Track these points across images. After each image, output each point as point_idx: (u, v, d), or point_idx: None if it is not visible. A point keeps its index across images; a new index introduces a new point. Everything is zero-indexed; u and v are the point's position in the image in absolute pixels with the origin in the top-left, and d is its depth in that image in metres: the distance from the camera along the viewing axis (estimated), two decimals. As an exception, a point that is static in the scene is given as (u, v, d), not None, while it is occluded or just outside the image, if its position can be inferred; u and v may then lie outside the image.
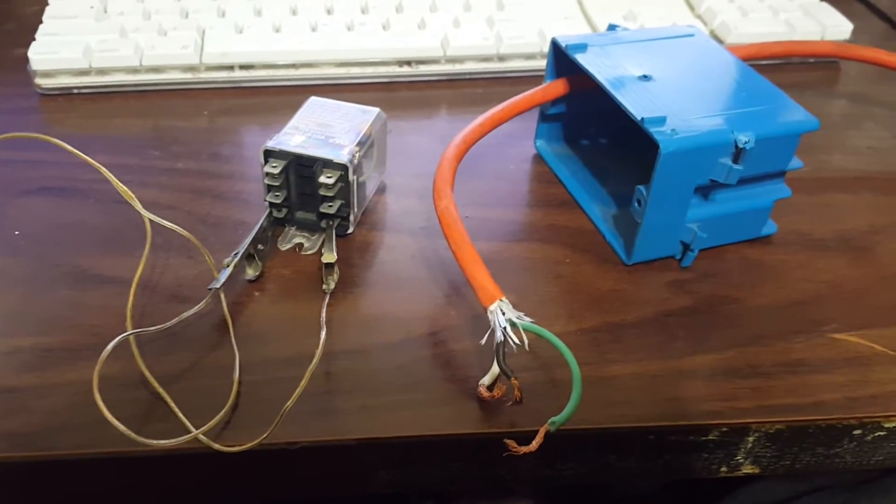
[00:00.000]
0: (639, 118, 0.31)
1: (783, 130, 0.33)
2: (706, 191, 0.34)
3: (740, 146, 0.32)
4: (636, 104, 0.32)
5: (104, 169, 0.32)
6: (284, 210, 0.35)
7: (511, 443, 0.26)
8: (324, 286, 0.33)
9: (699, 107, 0.33)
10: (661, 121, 0.31)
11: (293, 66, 0.46)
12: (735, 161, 0.32)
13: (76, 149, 0.34)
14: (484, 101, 0.45)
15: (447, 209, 0.31)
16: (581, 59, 0.35)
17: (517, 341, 0.27)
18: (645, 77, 0.35)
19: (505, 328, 0.27)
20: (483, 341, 0.28)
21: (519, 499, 0.49)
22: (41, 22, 0.47)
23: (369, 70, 0.46)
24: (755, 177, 0.34)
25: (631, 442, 0.29)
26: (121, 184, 0.32)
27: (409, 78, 0.47)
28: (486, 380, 0.28)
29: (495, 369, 0.28)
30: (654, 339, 0.32)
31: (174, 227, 0.31)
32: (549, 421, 0.26)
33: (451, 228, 0.30)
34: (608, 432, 0.29)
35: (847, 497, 0.45)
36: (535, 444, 0.26)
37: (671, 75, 0.35)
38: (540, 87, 0.38)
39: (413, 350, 0.31)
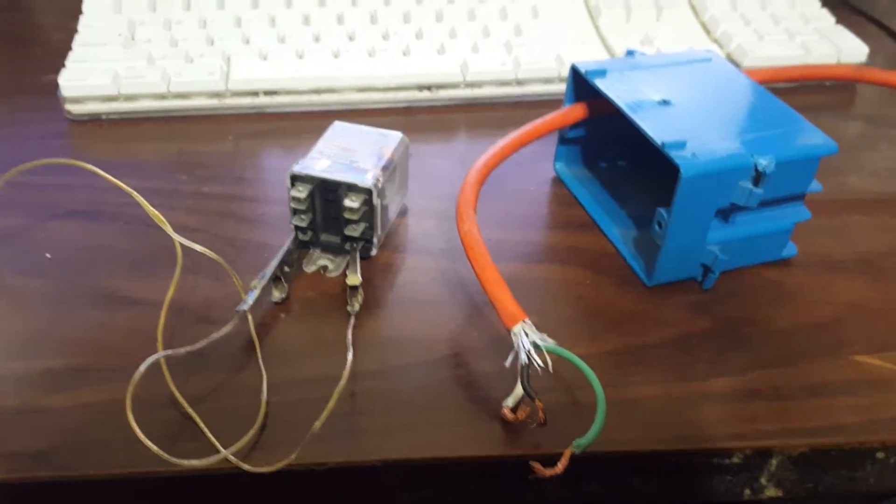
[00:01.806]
0: (659, 143, 0.32)
1: (803, 154, 0.33)
2: (726, 213, 0.34)
3: (760, 170, 0.32)
4: (656, 128, 0.33)
5: (136, 193, 0.33)
6: (309, 233, 0.36)
7: (537, 465, 0.26)
8: (348, 307, 0.33)
9: (718, 131, 0.34)
10: (682, 145, 0.32)
11: (316, 91, 0.47)
12: (755, 184, 0.32)
13: (105, 174, 0.35)
14: (502, 125, 0.46)
15: (470, 232, 0.31)
16: (601, 84, 0.36)
17: (541, 363, 0.27)
18: (664, 102, 0.35)
19: (529, 350, 0.28)
20: (507, 363, 0.28)
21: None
22: (69, 49, 0.48)
23: (390, 95, 0.47)
24: (775, 199, 0.34)
25: (654, 464, 0.29)
26: (152, 207, 0.32)
27: (429, 102, 0.48)
28: (510, 401, 0.29)
29: (518, 391, 0.28)
30: (675, 361, 0.32)
31: (204, 250, 0.32)
32: (574, 443, 0.26)
33: (474, 251, 0.31)
34: (632, 454, 0.29)
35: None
36: (560, 467, 0.26)
37: (690, 100, 0.35)
38: (559, 111, 0.38)
39: (436, 371, 0.31)
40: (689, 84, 0.37)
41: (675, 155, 0.31)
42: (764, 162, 0.32)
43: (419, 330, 0.33)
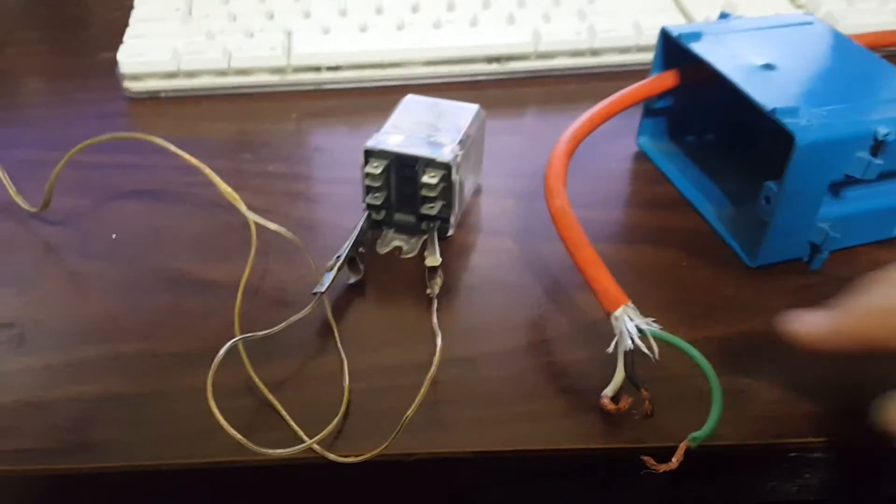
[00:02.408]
0: (770, 108, 0.29)
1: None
2: (839, 187, 0.31)
3: (879, 139, 0.29)
4: (764, 94, 0.30)
5: (210, 171, 0.31)
6: (383, 212, 0.34)
7: (648, 459, 0.24)
8: (428, 290, 0.31)
9: (829, 97, 0.31)
10: (795, 111, 0.29)
11: (380, 65, 0.45)
12: (874, 154, 0.29)
13: (176, 148, 0.34)
14: (577, 99, 0.43)
15: (563, 208, 0.29)
16: (697, 48, 0.33)
17: (646, 350, 0.25)
18: (768, 66, 0.32)
19: (633, 335, 0.25)
20: (610, 349, 0.26)
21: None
22: (125, 27, 0.47)
23: (457, 68, 0.45)
24: (891, 172, 0.31)
25: (770, 459, 0.27)
26: (226, 186, 0.31)
27: (499, 75, 0.45)
28: (609, 391, 0.26)
29: (618, 379, 0.26)
30: (785, 348, 0.29)
31: (280, 229, 0.30)
32: (690, 437, 0.24)
33: (568, 229, 0.29)
34: (746, 449, 0.26)
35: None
36: (675, 462, 0.24)
37: (795, 64, 0.33)
38: (648, 79, 0.36)
39: (524, 359, 0.29)
40: (792, 48, 0.34)
41: (788, 122, 0.29)
42: (884, 130, 0.29)
43: (503, 315, 0.31)
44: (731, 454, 0.27)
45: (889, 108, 0.30)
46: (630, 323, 0.26)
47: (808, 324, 0.25)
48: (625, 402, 0.26)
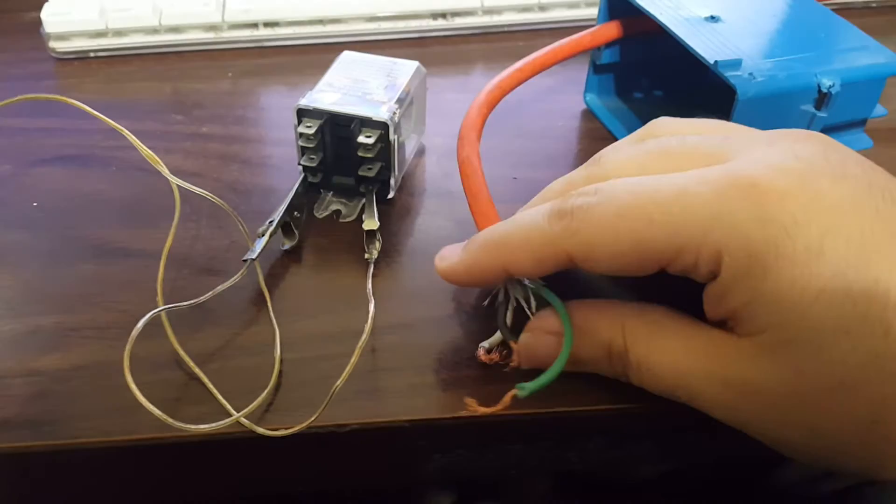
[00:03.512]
0: (712, 62, 0.28)
1: (868, 74, 0.30)
2: (784, 142, 0.30)
3: (824, 91, 0.28)
4: (706, 47, 0.29)
5: (129, 133, 0.29)
6: (320, 174, 0.33)
7: (470, 401, 0.23)
8: (366, 255, 0.30)
9: (774, 49, 0.30)
10: (737, 64, 0.28)
11: (320, 21, 0.43)
12: (818, 108, 0.29)
13: (95, 111, 0.32)
14: (524, 55, 0.42)
15: (468, 158, 0.28)
16: (640, -1, 0.32)
17: (523, 303, 0.25)
18: (712, 18, 0.31)
19: (508, 288, 0.25)
20: (486, 303, 0.26)
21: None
22: (53, -17, 0.44)
23: (401, 24, 0.43)
24: (837, 125, 0.31)
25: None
26: (147, 149, 0.29)
27: (444, 32, 0.44)
28: (487, 343, 0.26)
29: (498, 336, 0.26)
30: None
31: (205, 193, 0.28)
32: (518, 386, 0.23)
33: (468, 179, 0.28)
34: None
35: None
36: (500, 407, 0.23)
37: (741, 15, 0.32)
38: (589, 30, 0.35)
39: (464, 324, 0.28)
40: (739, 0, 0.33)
41: (729, 75, 0.28)
42: (828, 82, 0.28)
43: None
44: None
45: (836, 60, 0.30)
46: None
47: (445, 258, 0.26)
48: (496, 355, 0.26)
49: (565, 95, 0.39)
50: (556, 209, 0.23)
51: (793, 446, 0.22)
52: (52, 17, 0.41)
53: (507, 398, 0.23)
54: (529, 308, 0.25)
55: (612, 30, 0.34)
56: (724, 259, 0.20)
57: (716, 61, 0.28)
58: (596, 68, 0.37)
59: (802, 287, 0.20)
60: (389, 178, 0.32)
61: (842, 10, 0.45)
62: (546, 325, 0.25)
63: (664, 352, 0.23)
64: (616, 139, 0.36)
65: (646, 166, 0.23)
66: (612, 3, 0.34)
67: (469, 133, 0.29)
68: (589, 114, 0.38)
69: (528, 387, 0.23)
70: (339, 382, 0.24)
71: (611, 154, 0.25)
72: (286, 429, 0.24)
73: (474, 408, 0.23)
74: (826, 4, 0.34)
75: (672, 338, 0.23)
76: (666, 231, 0.21)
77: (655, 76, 0.38)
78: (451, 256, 0.26)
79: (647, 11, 0.31)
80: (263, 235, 0.29)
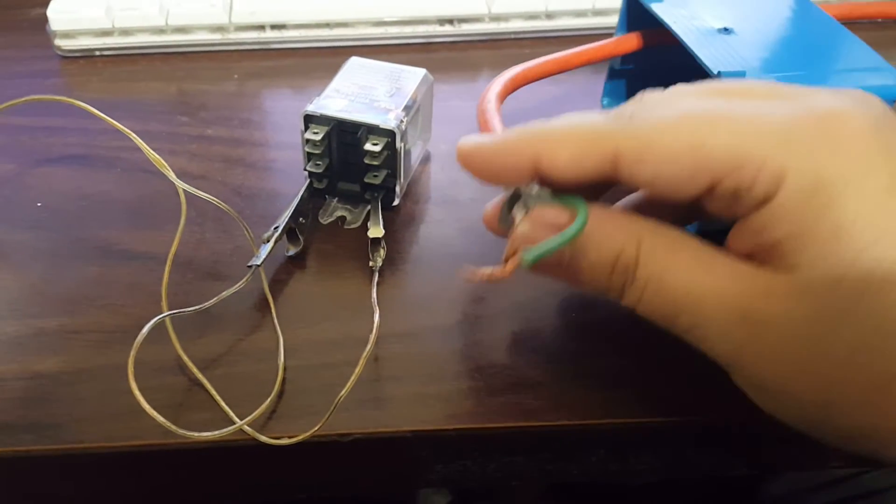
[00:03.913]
0: (715, 72, 0.28)
1: (875, 94, 0.30)
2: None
3: (829, 109, 0.28)
4: (713, 57, 0.29)
5: (134, 135, 0.29)
6: (325, 180, 0.33)
7: (471, 271, 0.23)
8: (371, 263, 0.30)
9: (781, 64, 0.30)
10: (740, 76, 0.28)
11: (327, 25, 0.43)
12: (824, 124, 0.29)
13: (101, 113, 0.32)
14: (531, 63, 0.42)
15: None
16: (657, 8, 0.32)
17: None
18: (725, 30, 0.31)
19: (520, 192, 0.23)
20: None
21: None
22: (59, -20, 0.44)
23: (408, 29, 0.43)
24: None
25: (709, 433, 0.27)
26: (153, 152, 0.29)
27: (451, 38, 0.44)
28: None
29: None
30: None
31: (210, 198, 0.28)
32: (524, 250, 0.21)
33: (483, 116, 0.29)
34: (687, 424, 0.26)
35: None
36: (508, 272, 0.22)
37: (754, 29, 0.32)
38: (612, 38, 0.35)
39: (470, 333, 0.28)
40: (756, 13, 0.33)
41: (736, 89, 0.28)
42: (834, 100, 0.28)
43: (449, 287, 0.30)
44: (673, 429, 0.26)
45: (841, 77, 0.30)
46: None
47: (472, 138, 0.23)
48: (488, 269, 0.24)
49: (579, 100, 0.39)
50: (612, 112, 0.21)
51: (792, 405, 0.20)
52: (59, 15, 0.41)
53: (510, 266, 0.22)
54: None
55: (632, 41, 0.35)
56: (788, 180, 0.19)
57: (719, 71, 0.28)
58: (613, 74, 0.37)
59: (864, 226, 0.18)
60: (395, 186, 0.32)
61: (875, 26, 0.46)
62: (548, 216, 0.22)
63: (680, 271, 0.21)
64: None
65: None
66: (631, 10, 0.35)
67: (486, 105, 0.30)
68: (596, 123, 0.38)
69: (533, 251, 0.21)
70: (343, 392, 0.24)
71: (653, 92, 0.23)
72: (289, 437, 0.24)
73: (475, 274, 0.23)
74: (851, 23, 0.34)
75: (693, 259, 0.21)
76: (732, 140, 0.20)
77: (670, 84, 0.38)
78: (479, 137, 0.23)
79: (663, 20, 0.32)
80: (268, 241, 0.29)
